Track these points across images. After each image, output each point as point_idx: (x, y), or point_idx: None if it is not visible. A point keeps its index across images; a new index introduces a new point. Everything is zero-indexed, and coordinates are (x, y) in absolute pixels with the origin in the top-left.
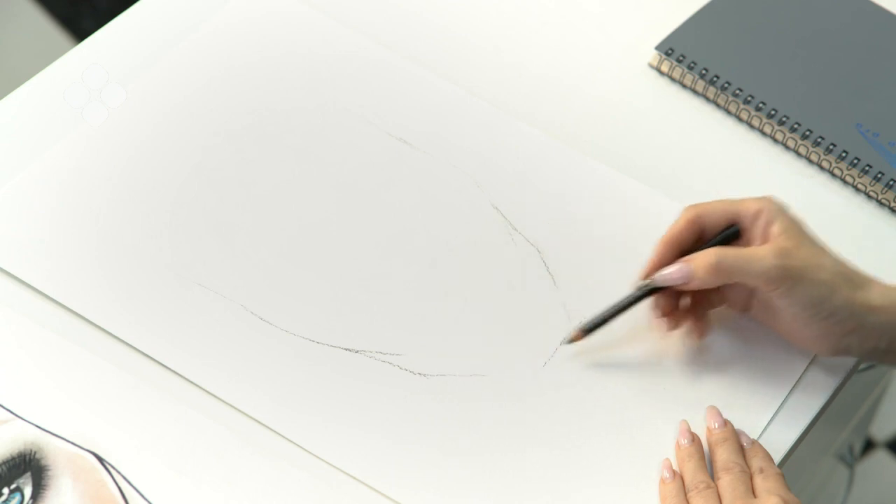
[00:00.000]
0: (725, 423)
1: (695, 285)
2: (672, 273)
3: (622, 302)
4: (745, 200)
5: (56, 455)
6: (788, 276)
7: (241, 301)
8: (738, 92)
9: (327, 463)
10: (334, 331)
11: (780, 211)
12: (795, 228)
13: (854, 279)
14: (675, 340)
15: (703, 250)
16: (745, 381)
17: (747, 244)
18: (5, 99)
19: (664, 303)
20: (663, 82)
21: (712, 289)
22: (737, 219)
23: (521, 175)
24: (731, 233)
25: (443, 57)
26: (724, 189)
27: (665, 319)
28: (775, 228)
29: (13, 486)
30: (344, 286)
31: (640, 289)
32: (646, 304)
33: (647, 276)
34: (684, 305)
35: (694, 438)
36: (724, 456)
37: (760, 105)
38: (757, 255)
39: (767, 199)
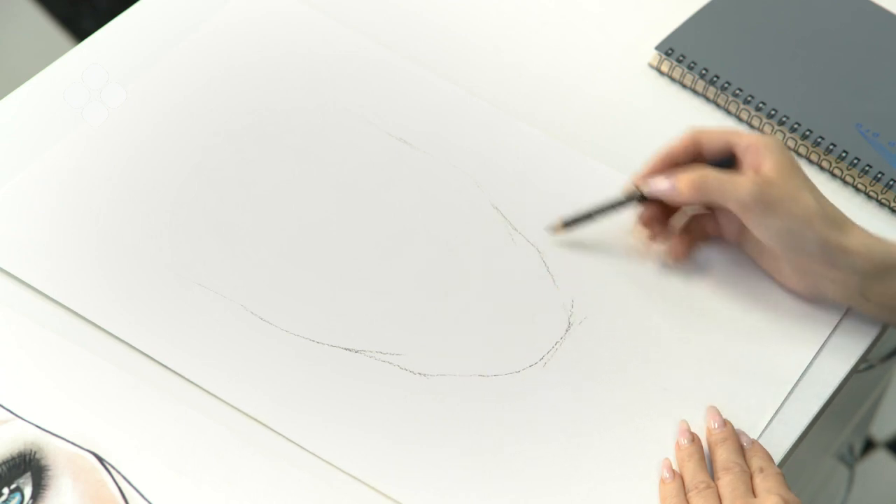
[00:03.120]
0: (725, 423)
1: (678, 200)
2: (659, 184)
3: (607, 203)
4: (745, 133)
5: (56, 455)
6: (762, 204)
7: (241, 301)
8: (738, 92)
9: (327, 463)
10: (334, 331)
11: (776, 147)
12: (786, 164)
13: (834, 220)
14: (676, 340)
15: (691, 168)
16: (745, 381)
17: (739, 174)
18: (5, 99)
19: (649, 213)
20: (663, 82)
21: (707, 216)
22: (734, 148)
23: (521, 175)
24: (725, 160)
25: (443, 57)
26: None
27: (645, 229)
28: (766, 161)
29: (13, 486)
30: (344, 286)
31: (626, 194)
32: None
33: (637, 183)
34: (676, 225)
35: (694, 438)
36: (724, 456)
37: (760, 105)
38: (738, 180)
39: (764, 135)
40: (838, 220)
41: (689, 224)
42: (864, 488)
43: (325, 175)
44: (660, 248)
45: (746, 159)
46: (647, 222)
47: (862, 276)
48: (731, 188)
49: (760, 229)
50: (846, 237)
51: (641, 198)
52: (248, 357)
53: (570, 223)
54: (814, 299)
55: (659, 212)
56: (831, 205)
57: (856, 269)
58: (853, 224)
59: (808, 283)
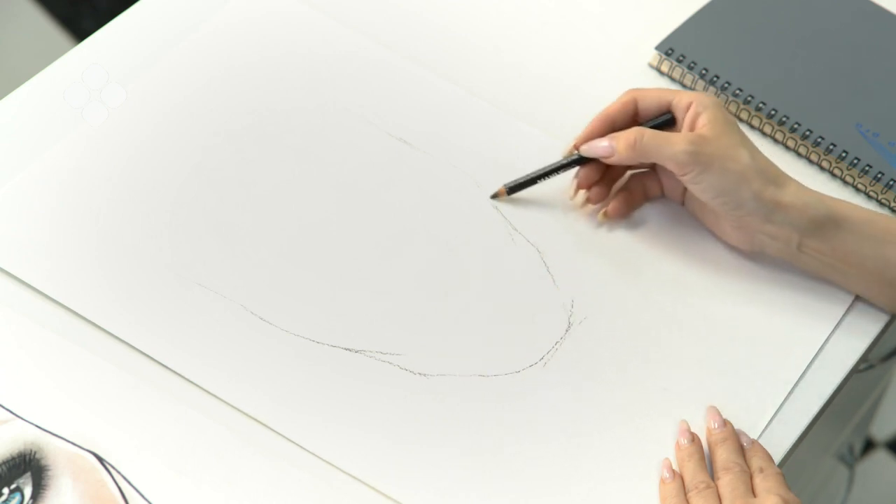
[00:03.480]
0: (725, 423)
1: (615, 160)
2: (597, 145)
3: (549, 167)
4: (681, 91)
5: (56, 455)
6: (697, 162)
7: (241, 301)
8: (738, 92)
9: (327, 463)
10: (334, 331)
11: (711, 104)
12: (721, 121)
13: (769, 175)
14: (676, 340)
15: (629, 129)
16: (745, 381)
17: (677, 132)
18: (5, 99)
19: (586, 175)
20: (663, 82)
21: (650, 175)
22: (671, 107)
23: (521, 175)
24: (663, 120)
25: (443, 57)
26: None
27: (583, 190)
28: (702, 119)
29: (13, 486)
30: (344, 286)
31: (566, 157)
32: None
33: (577, 146)
34: (615, 187)
35: (694, 438)
36: (723, 456)
37: (760, 105)
38: (672, 139)
39: (702, 94)
40: (774, 176)
41: (630, 184)
42: (864, 488)
43: (325, 175)
44: (595, 207)
45: (683, 118)
46: (583, 183)
47: (799, 231)
48: (667, 146)
49: (697, 187)
50: (782, 192)
51: (582, 160)
52: (248, 357)
53: (514, 188)
54: (754, 254)
55: (600, 173)
56: (767, 160)
57: (792, 225)
58: (790, 179)
59: (747, 238)
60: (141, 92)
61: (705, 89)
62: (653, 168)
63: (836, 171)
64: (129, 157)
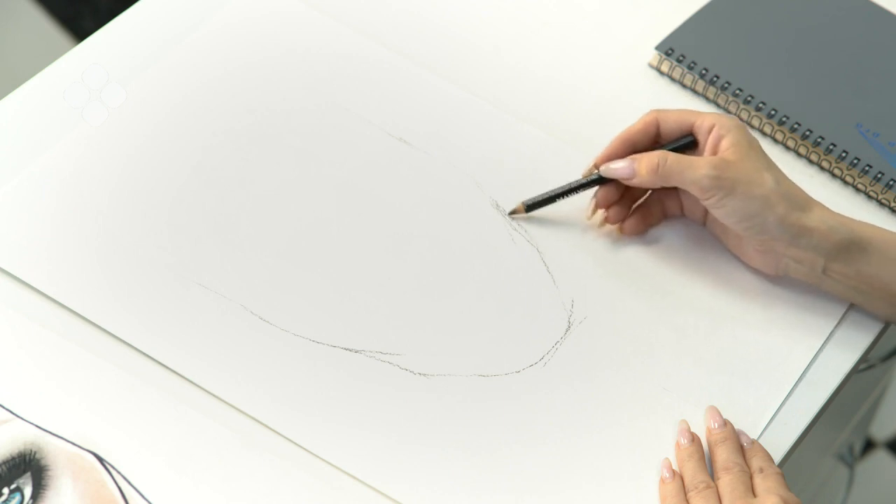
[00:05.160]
0: (725, 423)
1: (636, 182)
2: (618, 167)
3: (568, 185)
4: (704, 113)
5: (56, 455)
6: (720, 187)
7: (241, 301)
8: (738, 92)
9: (327, 463)
10: (334, 331)
11: (734, 127)
12: (744, 144)
13: (794, 199)
14: (676, 340)
15: (651, 152)
16: (745, 381)
17: (699, 155)
18: (5, 99)
19: (605, 194)
20: (663, 82)
21: (671, 195)
22: (692, 129)
23: (521, 175)
24: (685, 142)
25: (443, 57)
26: None
27: (600, 210)
28: (724, 142)
29: (13, 486)
30: (344, 286)
31: (586, 176)
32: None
33: (597, 166)
34: (631, 207)
35: (694, 438)
36: (723, 456)
37: (760, 105)
38: (696, 163)
39: (724, 115)
40: (799, 200)
41: (649, 201)
42: (864, 488)
43: (325, 175)
44: (612, 227)
45: (705, 141)
46: (602, 203)
47: (824, 255)
48: (690, 171)
49: (720, 211)
50: (807, 216)
51: (601, 179)
52: (248, 357)
53: (532, 206)
54: (778, 278)
55: (619, 193)
56: (792, 184)
57: (817, 249)
58: (815, 203)
59: (771, 262)
60: (141, 92)
61: (705, 89)
62: (673, 188)
63: (836, 171)
64: (129, 157)
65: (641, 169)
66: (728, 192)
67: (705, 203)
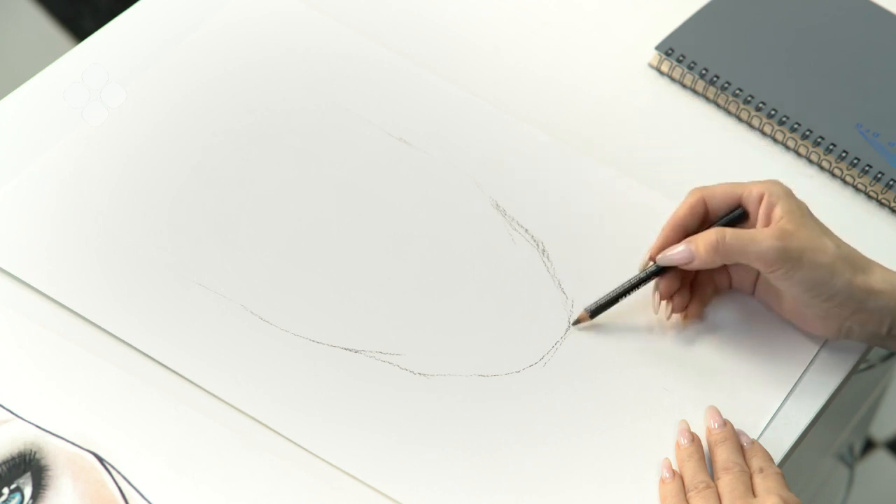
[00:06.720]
0: (725, 423)
1: (697, 265)
2: (676, 253)
3: (628, 283)
4: (749, 183)
5: (56, 455)
6: (788, 259)
7: (241, 301)
8: (738, 92)
9: (327, 463)
10: (334, 331)
11: (784, 194)
12: (798, 211)
13: (856, 262)
14: (676, 340)
15: (706, 231)
16: (745, 381)
17: (751, 227)
18: (5, 99)
19: (667, 285)
20: (663, 82)
21: (720, 271)
22: (740, 201)
23: (522, 175)
24: (735, 215)
25: (443, 57)
26: None
27: (666, 302)
28: (777, 211)
29: (13, 486)
30: (344, 286)
31: (645, 270)
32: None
33: (652, 257)
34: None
35: (694, 438)
36: (723, 456)
37: (760, 105)
38: (757, 236)
39: (771, 182)
40: (860, 262)
41: (702, 281)
42: (864, 488)
43: (325, 175)
44: (679, 317)
45: (756, 211)
46: (665, 294)
47: (891, 315)
48: (752, 245)
49: (787, 282)
50: (871, 278)
51: (659, 270)
52: (248, 357)
53: (595, 311)
54: (838, 340)
55: (679, 281)
56: (848, 245)
57: (884, 311)
58: (873, 262)
59: (833, 327)
60: (141, 92)
61: (705, 89)
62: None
63: (836, 171)
64: (129, 157)
65: (700, 250)
66: (795, 262)
67: (770, 275)
